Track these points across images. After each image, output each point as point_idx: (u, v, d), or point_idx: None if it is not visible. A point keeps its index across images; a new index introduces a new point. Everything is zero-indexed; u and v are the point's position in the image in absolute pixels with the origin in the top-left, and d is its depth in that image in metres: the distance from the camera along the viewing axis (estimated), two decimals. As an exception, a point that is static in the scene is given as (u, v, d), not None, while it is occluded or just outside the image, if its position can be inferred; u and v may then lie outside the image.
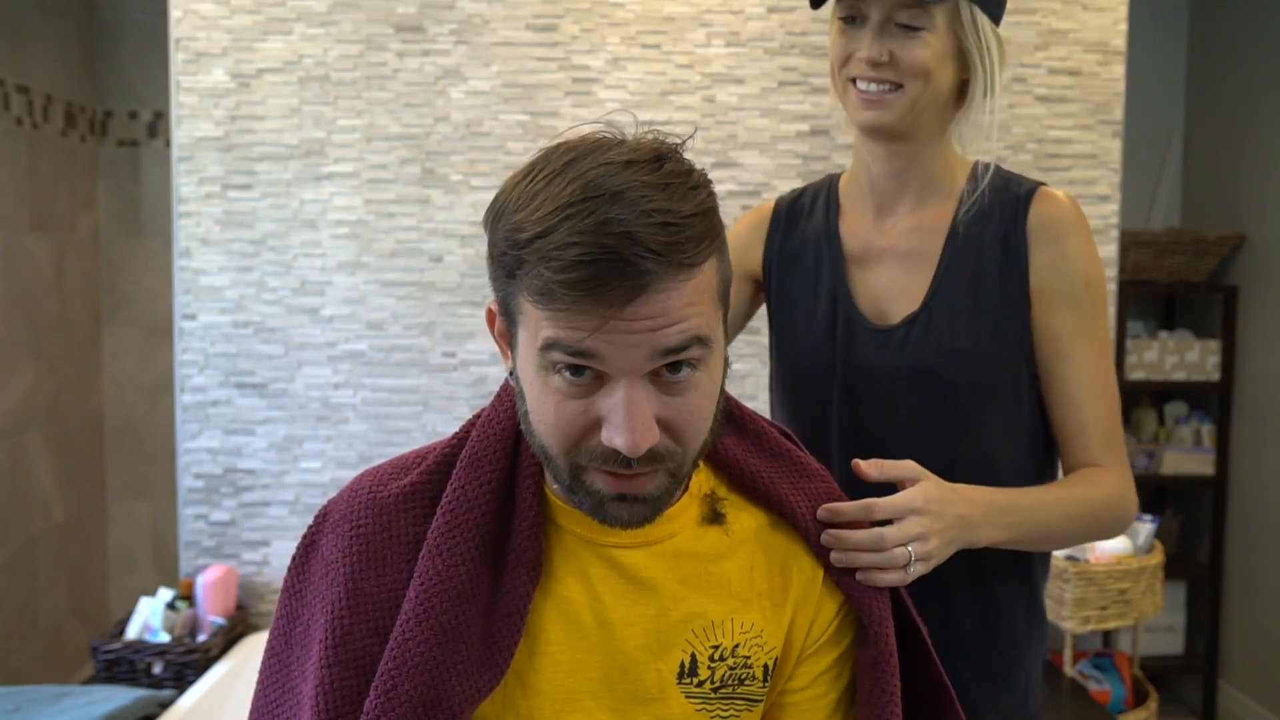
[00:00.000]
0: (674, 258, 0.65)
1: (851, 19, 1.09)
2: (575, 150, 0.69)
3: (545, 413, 0.70)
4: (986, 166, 1.17)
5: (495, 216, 0.70)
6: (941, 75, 1.09)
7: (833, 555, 0.84)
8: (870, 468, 0.92)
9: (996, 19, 1.11)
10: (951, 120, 1.16)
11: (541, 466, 0.79)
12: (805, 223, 1.24)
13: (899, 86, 1.08)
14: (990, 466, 1.12)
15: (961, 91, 1.14)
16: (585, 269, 0.64)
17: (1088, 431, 1.13)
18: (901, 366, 1.13)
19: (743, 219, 1.29)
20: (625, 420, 0.67)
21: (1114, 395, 1.15)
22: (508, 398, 0.82)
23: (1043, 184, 1.16)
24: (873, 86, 1.08)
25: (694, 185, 0.68)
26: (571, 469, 0.72)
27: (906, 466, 0.94)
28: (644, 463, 0.70)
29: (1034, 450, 1.17)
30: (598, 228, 0.64)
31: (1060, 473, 1.18)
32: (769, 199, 1.31)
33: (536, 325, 0.68)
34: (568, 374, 0.68)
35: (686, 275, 0.67)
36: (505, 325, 0.74)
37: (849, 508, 0.85)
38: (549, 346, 0.67)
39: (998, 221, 1.14)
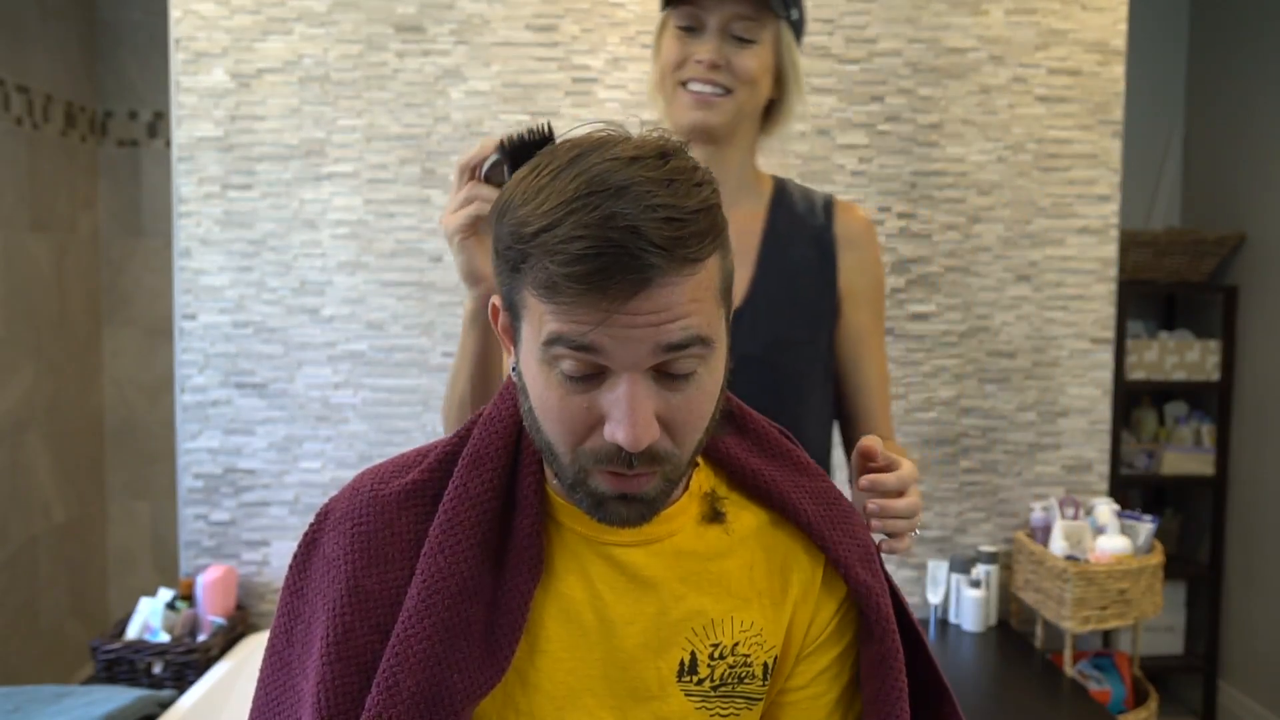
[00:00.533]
0: (678, 253, 0.66)
1: (690, 28, 1.20)
2: (580, 147, 0.69)
3: (548, 408, 0.71)
4: (784, 180, 1.33)
5: (500, 212, 0.71)
6: (763, 86, 1.24)
7: (876, 523, 0.90)
8: (878, 444, 0.99)
9: (799, 45, 1.27)
10: (757, 135, 1.30)
11: (543, 464, 0.80)
12: None
13: (728, 92, 1.21)
14: (806, 447, 1.22)
15: (766, 111, 1.29)
16: (589, 262, 0.64)
17: (880, 413, 1.31)
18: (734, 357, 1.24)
19: None
20: (627, 414, 0.67)
21: (889, 383, 1.36)
22: (509, 396, 0.82)
23: (834, 195, 1.34)
24: (706, 88, 1.20)
25: (698, 182, 0.68)
26: (576, 470, 0.72)
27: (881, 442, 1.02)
28: (644, 462, 0.70)
29: (829, 430, 1.33)
30: (602, 222, 0.64)
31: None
32: None
33: (540, 319, 0.68)
34: (571, 368, 0.68)
35: (690, 270, 0.67)
36: (509, 320, 0.74)
37: (890, 479, 0.92)
38: (552, 341, 0.67)
39: (806, 224, 1.29)
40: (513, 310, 0.72)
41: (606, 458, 0.70)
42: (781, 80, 1.26)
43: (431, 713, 0.73)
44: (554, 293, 0.66)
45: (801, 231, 1.29)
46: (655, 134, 0.71)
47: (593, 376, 0.69)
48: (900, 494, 0.97)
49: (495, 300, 0.76)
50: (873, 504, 0.91)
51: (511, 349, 0.76)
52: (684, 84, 1.21)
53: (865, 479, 0.93)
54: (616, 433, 0.68)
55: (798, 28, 1.26)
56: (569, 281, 0.65)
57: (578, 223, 0.64)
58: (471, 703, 0.74)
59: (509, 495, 0.80)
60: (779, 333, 1.24)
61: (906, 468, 0.98)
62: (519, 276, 0.69)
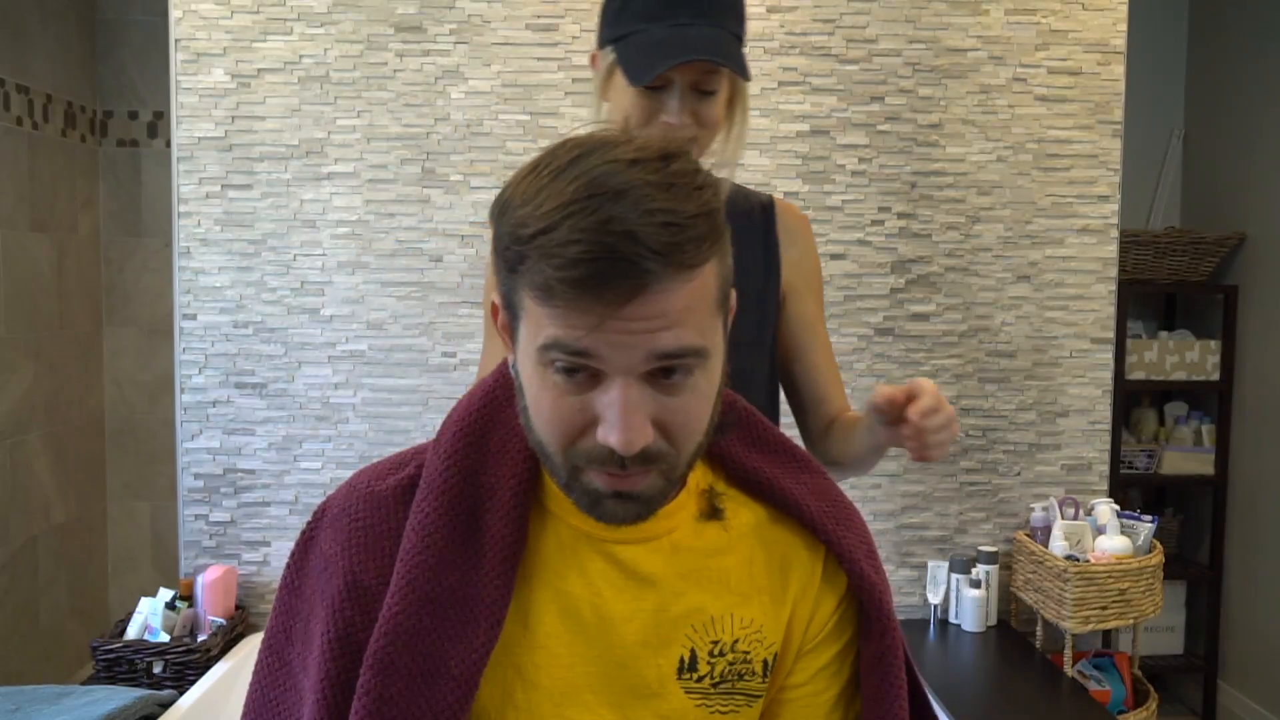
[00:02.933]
0: (674, 258, 0.65)
1: (655, 86, 1.20)
2: (582, 147, 0.69)
3: (542, 408, 0.71)
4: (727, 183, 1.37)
5: (500, 211, 0.70)
6: (722, 123, 1.27)
7: (920, 433, 1.02)
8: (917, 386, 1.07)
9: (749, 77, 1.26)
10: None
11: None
12: None
13: (691, 138, 1.23)
14: None
15: None
16: (585, 267, 0.64)
17: (837, 392, 1.39)
18: None
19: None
20: (620, 419, 0.67)
21: (837, 365, 1.43)
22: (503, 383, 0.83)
23: (773, 194, 1.38)
24: None
25: (699, 185, 0.68)
26: (569, 469, 0.72)
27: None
28: (638, 463, 0.69)
29: (775, 421, 1.35)
30: (599, 226, 0.64)
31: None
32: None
33: (537, 322, 0.68)
34: (565, 371, 0.68)
35: (686, 276, 0.67)
36: (508, 319, 0.74)
37: (929, 400, 1.03)
38: (548, 347, 0.67)
39: (750, 227, 1.34)
40: (511, 310, 0.72)
41: (599, 459, 0.70)
42: (732, 105, 1.28)
43: (430, 685, 0.73)
44: (550, 296, 0.66)
45: (746, 235, 1.31)
46: (657, 135, 0.70)
47: (587, 379, 0.68)
48: (938, 410, 1.04)
49: (495, 298, 0.76)
50: (913, 412, 1.01)
51: (511, 348, 0.76)
52: None
53: (917, 410, 1.02)
54: (609, 436, 0.68)
55: (744, 67, 1.29)
56: (564, 285, 0.64)
57: (574, 226, 0.64)
58: (472, 670, 0.74)
59: (493, 466, 0.80)
60: (733, 335, 1.28)
61: (927, 384, 1.05)
62: (517, 278, 0.69)
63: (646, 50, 1.17)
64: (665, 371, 0.68)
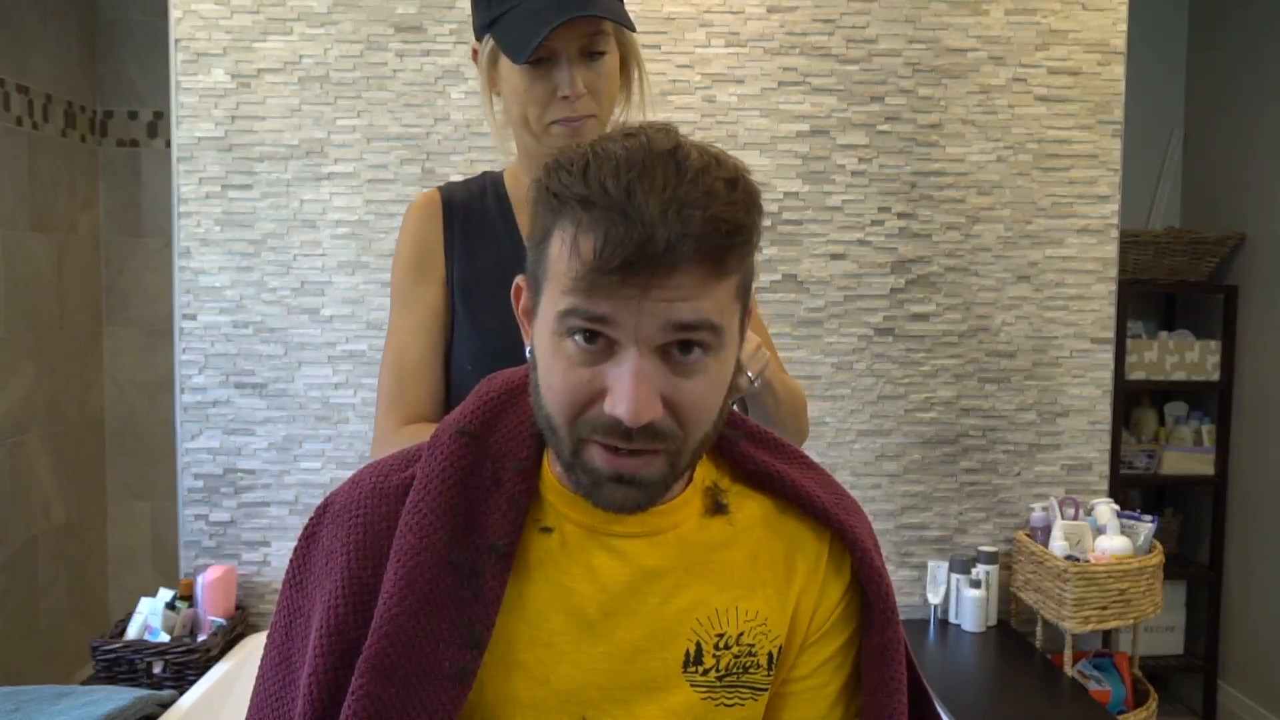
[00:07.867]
0: (716, 260, 0.67)
1: (540, 60, 1.12)
2: (633, 132, 0.70)
3: (553, 378, 0.71)
4: None
5: (546, 175, 0.71)
6: (616, 89, 1.19)
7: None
8: None
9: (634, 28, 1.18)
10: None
11: (543, 448, 0.80)
12: (478, 219, 1.25)
13: (593, 115, 1.15)
14: None
15: None
16: (623, 247, 0.65)
17: None
18: None
19: (417, 216, 1.25)
20: (630, 389, 0.67)
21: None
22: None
23: None
24: (577, 122, 1.14)
25: (756, 204, 0.70)
26: (573, 441, 0.72)
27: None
28: (643, 438, 0.70)
29: None
30: (646, 209, 0.65)
31: None
32: (428, 191, 1.28)
33: (559, 291, 0.69)
34: (580, 340, 0.69)
35: (719, 272, 0.68)
36: (530, 300, 0.75)
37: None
38: (568, 312, 0.68)
39: None
40: (535, 284, 0.73)
41: (604, 429, 0.70)
42: (627, 67, 1.19)
43: (424, 685, 0.73)
44: (580, 266, 0.67)
45: None
46: (714, 147, 0.71)
47: (601, 350, 0.69)
48: None
49: (520, 280, 0.77)
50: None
51: (529, 331, 0.76)
52: (553, 122, 1.15)
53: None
54: (618, 406, 0.68)
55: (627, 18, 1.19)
56: (598, 259, 0.65)
57: (620, 206, 0.65)
58: (466, 671, 0.74)
59: (492, 465, 0.80)
60: None
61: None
62: (547, 247, 0.70)
63: (523, 24, 1.10)
64: (680, 349, 0.69)
